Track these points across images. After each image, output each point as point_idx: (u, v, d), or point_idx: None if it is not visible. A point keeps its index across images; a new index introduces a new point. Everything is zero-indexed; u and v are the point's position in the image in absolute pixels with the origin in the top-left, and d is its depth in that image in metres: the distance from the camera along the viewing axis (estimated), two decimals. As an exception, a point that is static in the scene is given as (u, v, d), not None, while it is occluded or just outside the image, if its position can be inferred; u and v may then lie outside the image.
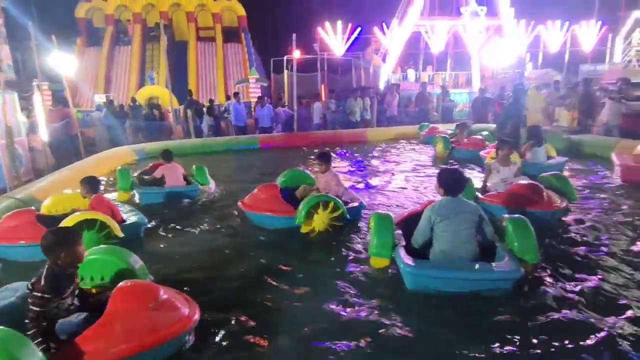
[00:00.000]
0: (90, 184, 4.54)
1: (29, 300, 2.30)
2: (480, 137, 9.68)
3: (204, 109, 13.01)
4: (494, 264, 3.18)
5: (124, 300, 2.48)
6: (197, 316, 2.62)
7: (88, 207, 4.41)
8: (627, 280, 3.44)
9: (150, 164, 7.14)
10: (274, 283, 3.51)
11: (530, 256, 3.30)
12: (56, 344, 2.33)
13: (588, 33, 20.43)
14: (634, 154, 6.77)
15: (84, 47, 21.05)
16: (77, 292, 2.57)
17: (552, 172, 5.39)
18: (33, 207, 4.80)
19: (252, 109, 14.67)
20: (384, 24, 20.16)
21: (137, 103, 13.87)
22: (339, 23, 18.80)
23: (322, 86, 18.73)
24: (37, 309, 2.27)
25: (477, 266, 3.19)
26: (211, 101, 13.90)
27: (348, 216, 4.58)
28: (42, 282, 2.31)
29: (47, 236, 2.45)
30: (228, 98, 14.84)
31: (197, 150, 10.89)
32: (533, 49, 21.34)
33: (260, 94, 16.31)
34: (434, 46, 20.18)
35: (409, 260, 3.22)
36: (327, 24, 18.79)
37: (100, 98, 16.38)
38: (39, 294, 2.28)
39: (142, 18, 21.88)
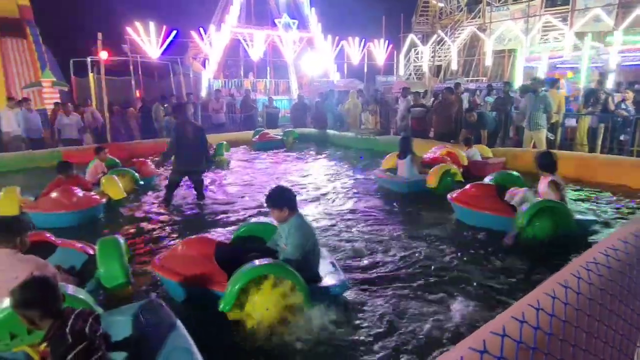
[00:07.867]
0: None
1: None
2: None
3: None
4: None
5: None
6: None
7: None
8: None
9: None
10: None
11: None
12: None
13: (379, 50, 24.10)
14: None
15: None
16: None
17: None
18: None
19: (49, 118, 12.38)
20: (201, 29, 19.67)
21: None
22: (152, 24, 17.44)
23: (138, 91, 17.18)
24: None
25: None
26: (-13, 109, 11.11)
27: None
28: None
29: None
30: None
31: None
32: (339, 61, 24.03)
33: (59, 100, 13.86)
34: (254, 54, 20.72)
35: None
36: (138, 25, 17.21)
37: None
38: None
39: None
